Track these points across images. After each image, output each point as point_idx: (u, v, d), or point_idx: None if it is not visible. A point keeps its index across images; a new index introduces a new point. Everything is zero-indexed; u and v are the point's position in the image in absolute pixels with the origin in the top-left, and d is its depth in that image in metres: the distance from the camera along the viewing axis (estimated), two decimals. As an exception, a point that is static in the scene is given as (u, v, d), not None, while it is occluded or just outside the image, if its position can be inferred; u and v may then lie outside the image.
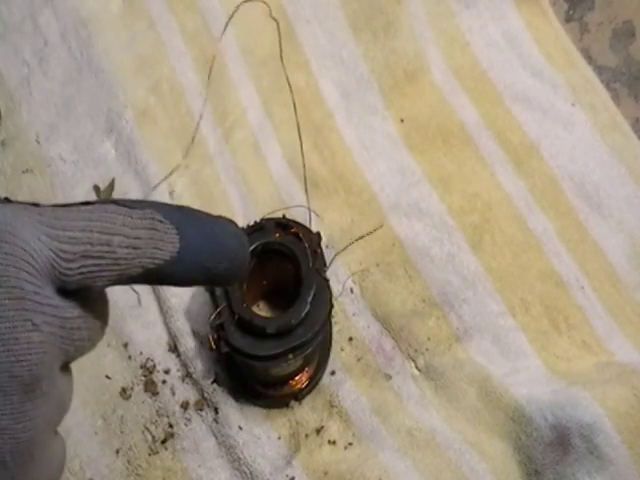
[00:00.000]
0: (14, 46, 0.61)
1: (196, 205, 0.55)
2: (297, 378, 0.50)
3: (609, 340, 0.53)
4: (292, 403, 0.51)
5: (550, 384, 0.51)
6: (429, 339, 0.53)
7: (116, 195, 0.57)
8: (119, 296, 0.54)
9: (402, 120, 0.60)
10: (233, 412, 0.51)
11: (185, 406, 0.51)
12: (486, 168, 0.59)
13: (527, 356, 0.52)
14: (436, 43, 0.62)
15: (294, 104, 0.49)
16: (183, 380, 0.52)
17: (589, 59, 0.63)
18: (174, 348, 0.53)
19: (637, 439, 0.47)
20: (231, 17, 0.46)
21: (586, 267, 0.56)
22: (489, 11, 0.63)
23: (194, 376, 0.52)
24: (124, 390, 0.52)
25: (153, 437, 0.51)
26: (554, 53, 0.62)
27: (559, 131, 0.60)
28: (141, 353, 0.53)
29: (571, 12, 0.65)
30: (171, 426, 0.51)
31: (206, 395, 0.51)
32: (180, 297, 0.53)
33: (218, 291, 0.46)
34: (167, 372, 0.52)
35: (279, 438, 0.50)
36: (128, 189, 0.57)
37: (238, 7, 0.46)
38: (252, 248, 0.47)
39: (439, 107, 0.60)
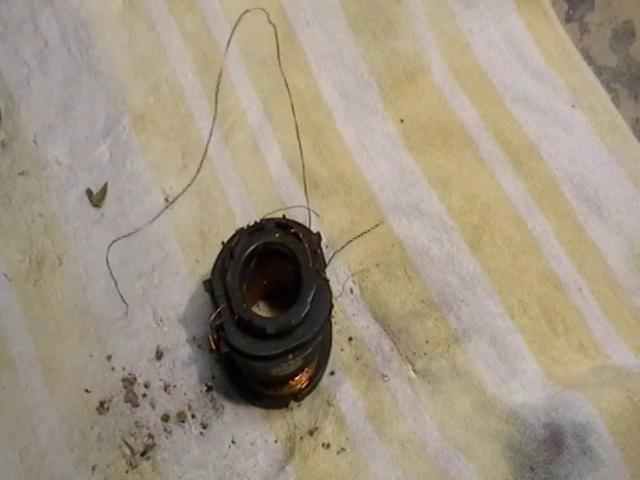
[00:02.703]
0: (14, 46, 0.62)
1: (194, 205, 0.57)
2: (297, 378, 0.51)
3: (606, 343, 0.55)
4: (292, 403, 0.52)
5: (545, 390, 0.52)
6: (427, 342, 0.54)
7: (110, 200, 0.58)
8: (105, 306, 0.55)
9: (402, 120, 0.62)
10: (226, 422, 0.52)
11: (166, 419, 0.52)
12: (486, 169, 0.60)
13: (524, 358, 0.54)
14: (436, 44, 0.64)
15: (292, 106, 0.50)
16: (168, 392, 0.53)
17: (589, 59, 0.65)
18: (162, 358, 0.54)
19: (629, 441, 0.49)
20: (234, 30, 0.48)
21: (584, 269, 0.57)
22: (490, 12, 0.65)
23: (185, 386, 0.53)
24: (102, 404, 0.53)
25: (132, 450, 0.52)
26: (555, 55, 0.64)
27: (559, 133, 0.62)
28: (124, 368, 0.54)
29: (571, 12, 0.67)
30: (151, 437, 0.52)
31: (196, 406, 0.53)
32: (177, 307, 0.55)
33: (218, 291, 0.47)
34: (147, 385, 0.53)
35: (276, 441, 0.52)
36: (122, 193, 0.59)
37: (241, 17, 0.47)
38: (252, 248, 0.48)
39: (439, 108, 0.62)
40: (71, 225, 0.57)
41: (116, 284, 0.55)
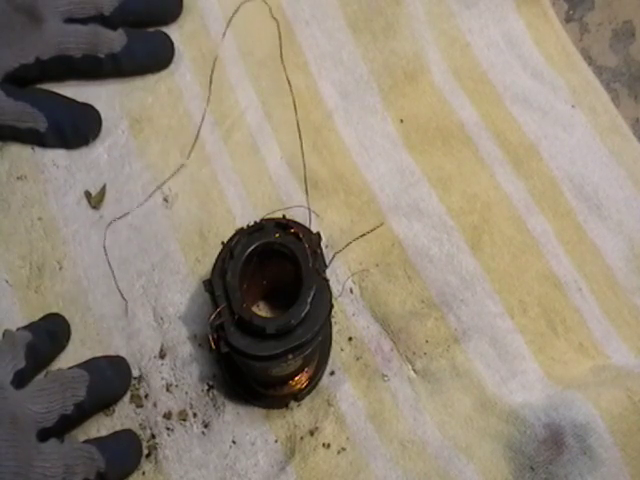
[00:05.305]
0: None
1: (194, 205, 0.58)
2: (297, 378, 0.52)
3: (606, 343, 0.56)
4: (292, 404, 0.53)
5: (545, 390, 0.53)
6: (427, 342, 0.55)
7: (109, 201, 0.59)
8: (105, 308, 0.56)
9: (402, 120, 0.62)
10: (227, 422, 0.53)
11: (168, 416, 0.53)
12: (485, 169, 0.61)
13: (524, 358, 0.55)
14: (436, 44, 0.65)
15: (294, 103, 0.51)
16: (170, 390, 0.54)
17: (589, 59, 0.66)
18: (164, 357, 0.55)
19: (629, 441, 0.50)
20: (231, 19, 0.49)
21: (584, 269, 0.58)
22: (490, 12, 0.66)
23: (186, 385, 0.54)
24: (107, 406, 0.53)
25: None
26: (555, 55, 0.65)
27: (559, 132, 0.62)
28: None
29: (571, 12, 0.68)
30: (154, 436, 0.53)
31: (198, 404, 0.53)
32: (177, 306, 0.56)
33: (218, 291, 0.47)
34: (150, 385, 0.54)
35: (276, 441, 0.53)
36: (120, 194, 0.59)
37: (238, 8, 0.48)
38: (252, 248, 0.48)
39: (439, 107, 0.63)
40: (70, 228, 0.58)
41: (114, 277, 0.56)
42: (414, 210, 0.59)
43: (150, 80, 0.62)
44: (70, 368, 0.52)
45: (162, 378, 0.54)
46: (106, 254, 0.57)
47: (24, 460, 0.45)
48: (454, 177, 0.61)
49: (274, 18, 0.48)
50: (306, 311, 0.46)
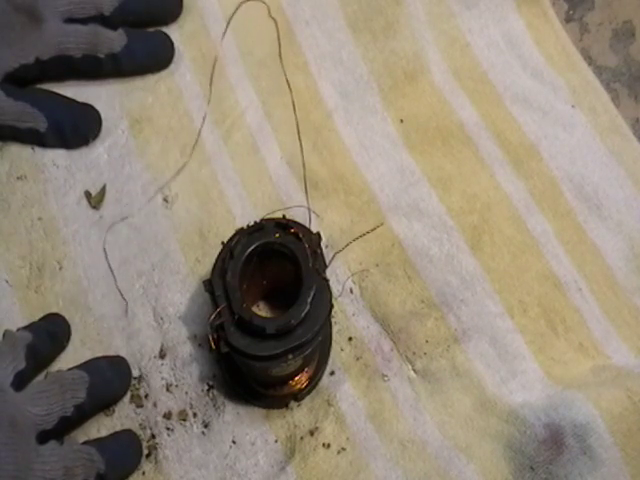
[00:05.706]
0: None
1: (194, 205, 0.58)
2: (297, 378, 0.52)
3: (606, 343, 0.56)
4: (292, 404, 0.53)
5: (545, 390, 0.53)
6: (427, 342, 0.55)
7: (109, 201, 0.59)
8: (105, 308, 0.56)
9: (402, 120, 0.62)
10: (227, 422, 0.53)
11: (168, 416, 0.53)
12: (485, 169, 0.61)
13: (524, 358, 0.55)
14: (436, 44, 0.65)
15: (293, 104, 0.51)
16: (170, 390, 0.54)
17: (589, 59, 0.66)
18: (164, 357, 0.55)
19: (629, 441, 0.50)
20: (231, 18, 0.49)
21: (584, 269, 0.58)
22: (490, 12, 0.66)
23: (186, 385, 0.54)
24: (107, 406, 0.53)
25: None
26: (555, 55, 0.65)
27: (559, 132, 0.62)
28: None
29: (571, 12, 0.68)
30: (154, 436, 0.53)
31: (198, 404, 0.53)
32: (177, 306, 0.56)
33: (218, 291, 0.47)
34: (150, 385, 0.54)
35: (276, 441, 0.53)
36: (120, 194, 0.59)
37: (238, 7, 0.48)
38: (252, 248, 0.48)
39: (439, 108, 0.63)
40: (70, 228, 0.58)
41: (113, 274, 0.56)
42: (414, 210, 0.59)
43: (150, 80, 0.62)
44: (70, 369, 0.52)
45: (162, 378, 0.54)
46: (106, 256, 0.57)
47: (23, 463, 0.45)
48: (454, 177, 0.61)
49: (272, 18, 0.48)
50: (306, 311, 0.46)
